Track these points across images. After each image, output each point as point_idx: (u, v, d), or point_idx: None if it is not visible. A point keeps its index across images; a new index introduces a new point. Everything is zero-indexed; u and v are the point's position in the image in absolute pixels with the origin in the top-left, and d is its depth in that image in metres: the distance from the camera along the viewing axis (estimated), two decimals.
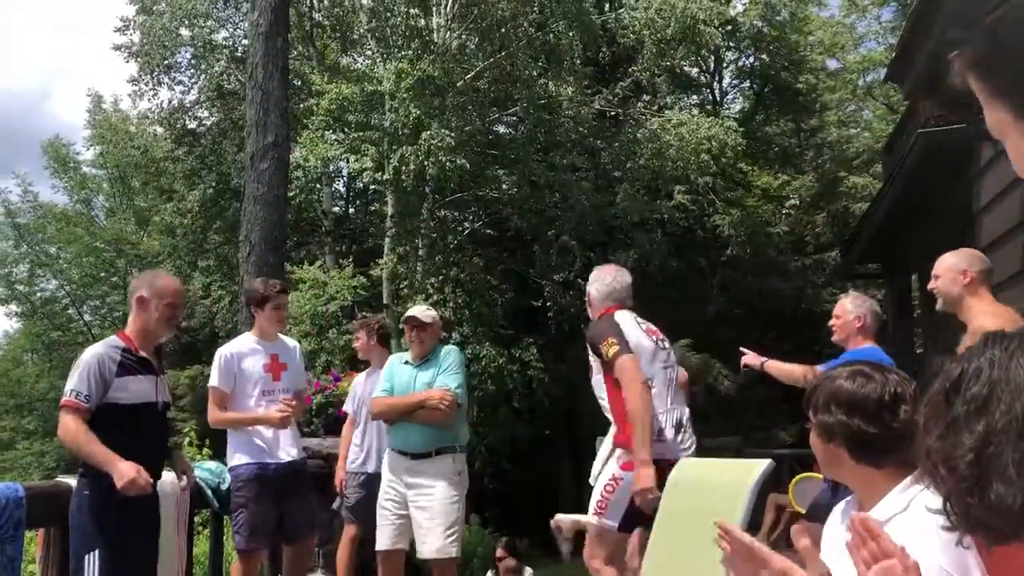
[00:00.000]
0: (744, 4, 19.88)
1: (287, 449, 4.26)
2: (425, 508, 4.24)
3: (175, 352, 18.50)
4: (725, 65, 21.95)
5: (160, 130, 20.40)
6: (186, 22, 17.97)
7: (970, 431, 1.06)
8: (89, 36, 56.54)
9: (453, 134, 13.15)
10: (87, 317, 27.55)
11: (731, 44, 20.81)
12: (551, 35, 15.17)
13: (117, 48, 18.33)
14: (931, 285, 3.40)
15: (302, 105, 15.64)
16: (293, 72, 13.58)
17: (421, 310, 4.53)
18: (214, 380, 4.27)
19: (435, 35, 14.85)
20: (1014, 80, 1.15)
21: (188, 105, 19.01)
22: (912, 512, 1.53)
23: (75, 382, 3.21)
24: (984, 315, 3.15)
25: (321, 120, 14.19)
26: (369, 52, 16.46)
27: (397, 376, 4.45)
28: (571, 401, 14.73)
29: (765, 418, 15.98)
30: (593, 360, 3.76)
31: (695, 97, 21.69)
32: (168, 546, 3.80)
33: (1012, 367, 1.07)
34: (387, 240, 14.90)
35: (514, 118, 16.43)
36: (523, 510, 15.26)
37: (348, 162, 15.61)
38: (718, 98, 21.92)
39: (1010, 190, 5.32)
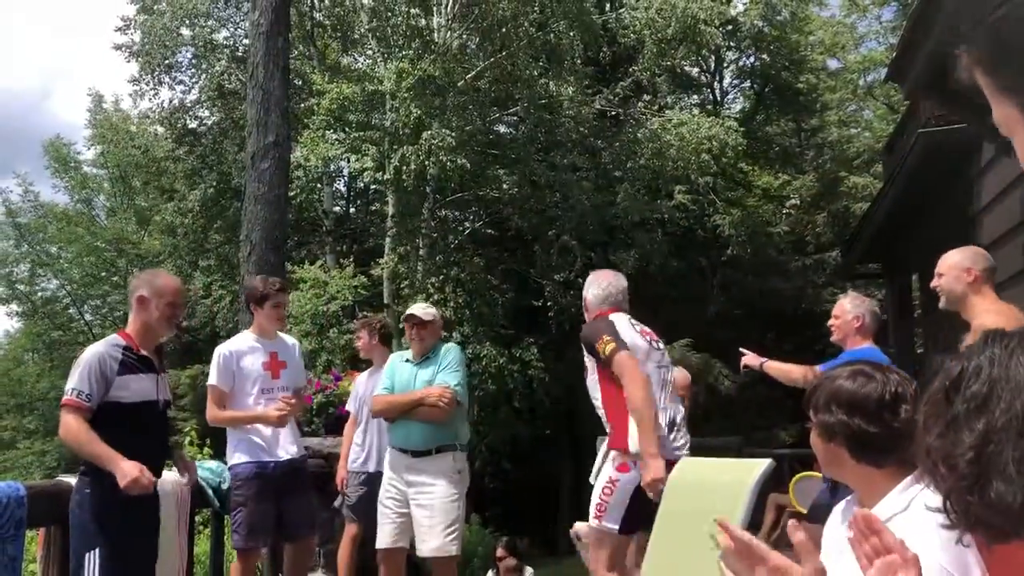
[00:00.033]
0: (745, 4, 19.89)
1: (287, 447, 4.25)
2: (425, 506, 4.25)
3: (176, 351, 18.51)
4: (726, 65, 21.96)
5: (161, 130, 20.42)
6: (187, 21, 17.99)
7: (970, 429, 1.06)
8: (89, 36, 56.60)
9: (454, 134, 13.16)
10: (88, 317, 27.56)
11: (732, 44, 20.82)
12: (552, 35, 15.17)
13: (118, 48, 18.38)
14: (934, 283, 3.37)
15: (303, 105, 15.65)
16: (294, 72, 13.57)
17: (421, 308, 4.54)
18: (213, 378, 4.26)
19: (436, 35, 14.86)
20: (1020, 76, 1.15)
21: (189, 105, 19.05)
22: (913, 511, 1.53)
23: (76, 381, 3.20)
24: (988, 314, 3.14)
25: (322, 120, 14.20)
26: (370, 52, 16.47)
27: (398, 374, 4.45)
28: (572, 401, 14.73)
29: (766, 418, 15.99)
30: (588, 361, 3.77)
31: (696, 97, 21.70)
32: (169, 545, 3.80)
33: (1012, 365, 1.07)
34: (388, 240, 14.91)
35: (515, 118, 16.43)
36: (523, 510, 15.30)
37: (349, 162, 15.62)
38: (719, 98, 21.93)
39: (1010, 190, 5.32)
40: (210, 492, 4.43)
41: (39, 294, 27.76)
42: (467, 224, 16.80)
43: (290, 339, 4.55)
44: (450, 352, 4.44)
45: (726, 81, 22.42)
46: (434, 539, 4.22)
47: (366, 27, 15.67)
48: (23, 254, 26.95)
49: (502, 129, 17.03)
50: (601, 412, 3.74)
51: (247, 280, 6.05)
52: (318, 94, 14.59)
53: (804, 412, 1.77)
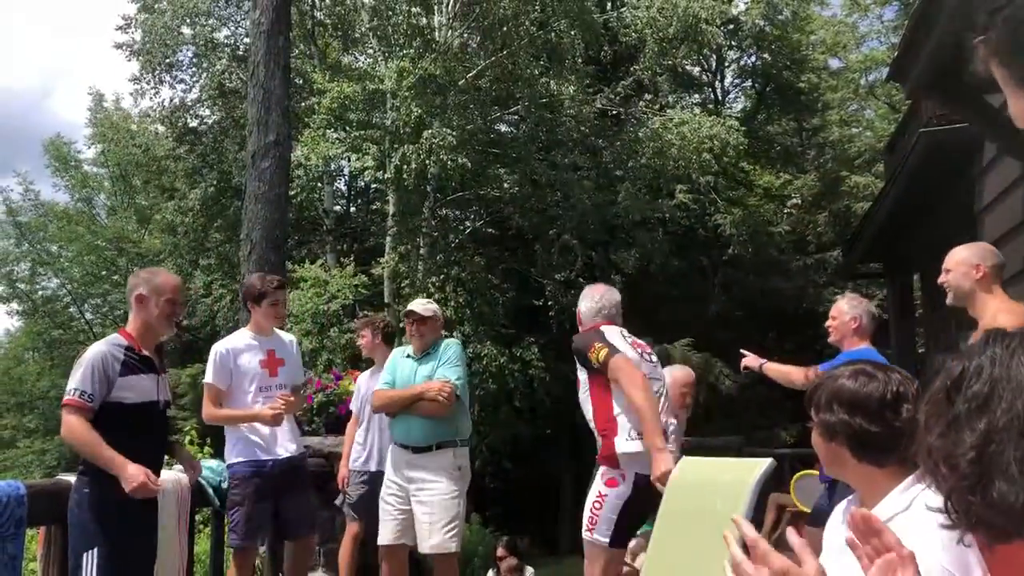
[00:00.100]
0: (746, 3, 19.89)
1: (285, 445, 4.24)
2: (425, 503, 4.25)
3: (176, 350, 18.53)
4: (727, 64, 21.95)
5: (161, 128, 20.42)
6: (187, 20, 17.99)
7: (971, 429, 1.06)
8: (90, 35, 56.61)
9: (455, 133, 13.16)
10: (88, 315, 27.56)
11: (733, 43, 20.81)
12: (553, 34, 15.16)
13: (118, 47, 18.40)
14: (941, 279, 3.33)
15: (304, 104, 15.66)
16: (295, 71, 13.57)
17: (421, 304, 4.54)
18: (209, 376, 4.24)
19: (437, 34, 14.85)
20: None
21: (189, 103, 19.05)
22: (914, 511, 1.53)
23: (78, 381, 3.19)
24: (1001, 313, 3.11)
25: (323, 119, 14.20)
26: (371, 51, 16.47)
27: (399, 369, 4.46)
28: (572, 400, 14.71)
29: (767, 417, 15.99)
30: (580, 373, 3.79)
31: (697, 96, 21.68)
32: (169, 544, 3.80)
33: (1013, 365, 1.06)
34: (388, 239, 14.91)
35: (516, 117, 16.43)
36: (524, 509, 15.30)
37: (349, 161, 15.62)
38: (720, 97, 21.92)
39: (1012, 189, 5.31)
40: (210, 491, 4.43)
41: (40, 293, 27.77)
42: (468, 223, 16.80)
43: (288, 336, 4.53)
44: (450, 347, 4.44)
45: (727, 80, 22.44)
46: (434, 536, 4.22)
47: (367, 26, 15.67)
48: (24, 253, 26.95)
49: (503, 128, 17.04)
50: (593, 426, 3.75)
51: (243, 280, 6.04)
52: (319, 93, 14.59)
53: (805, 411, 1.77)
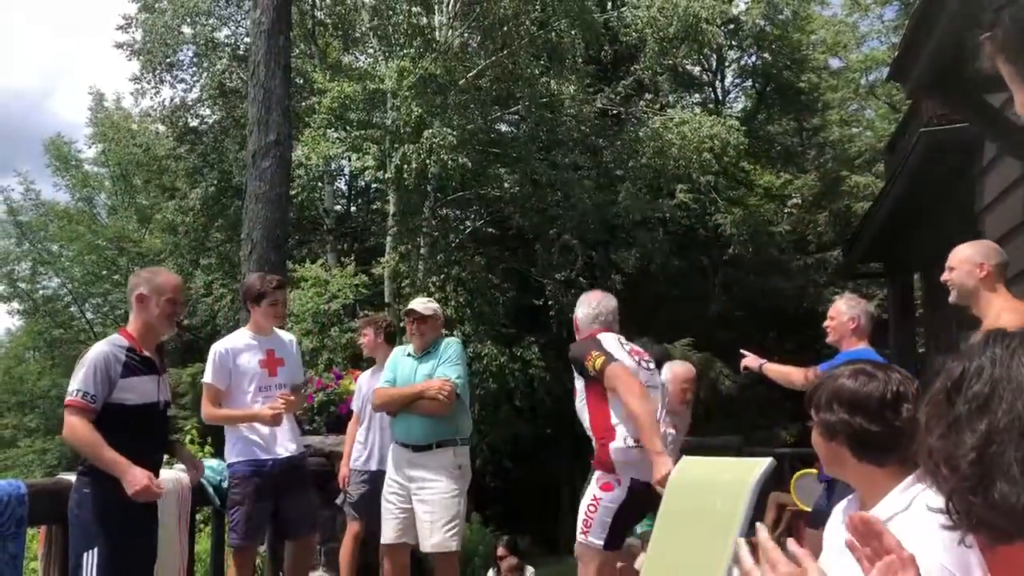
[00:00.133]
0: (746, 3, 19.88)
1: (285, 445, 4.23)
2: (426, 502, 4.26)
3: (177, 350, 18.53)
4: (727, 64, 21.94)
5: (162, 128, 20.42)
6: (188, 20, 17.99)
7: (972, 430, 1.06)
8: (90, 35, 56.60)
9: (455, 132, 13.16)
10: (89, 315, 27.56)
11: (733, 43, 20.80)
12: (553, 33, 15.16)
13: (119, 46, 18.39)
14: (944, 276, 3.30)
15: (304, 103, 15.66)
16: (295, 70, 13.56)
17: (421, 303, 4.54)
18: (208, 376, 4.23)
19: (437, 33, 14.85)
20: None
21: (190, 103, 19.06)
22: (914, 511, 1.53)
23: (81, 382, 3.18)
24: (1005, 311, 3.08)
25: (323, 118, 14.20)
26: (371, 50, 16.47)
27: (399, 368, 4.47)
28: (572, 400, 14.74)
29: (767, 417, 15.99)
30: (577, 382, 3.82)
31: (697, 96, 21.68)
32: (170, 544, 3.80)
33: (1014, 365, 1.06)
34: (389, 238, 14.91)
35: (516, 116, 16.43)
36: (524, 509, 15.30)
37: (350, 160, 15.63)
38: (720, 97, 21.91)
39: (1013, 189, 5.31)
40: (211, 490, 4.43)
41: (40, 292, 27.76)
42: (468, 223, 16.80)
43: (287, 335, 4.52)
44: (450, 346, 4.44)
45: (728, 80, 22.43)
46: (435, 535, 4.23)
47: (367, 26, 15.67)
48: (24, 252, 26.94)
49: (503, 128, 17.03)
50: (590, 433, 3.79)
51: (243, 280, 6.05)
52: (319, 92, 14.59)
53: (805, 411, 1.77)
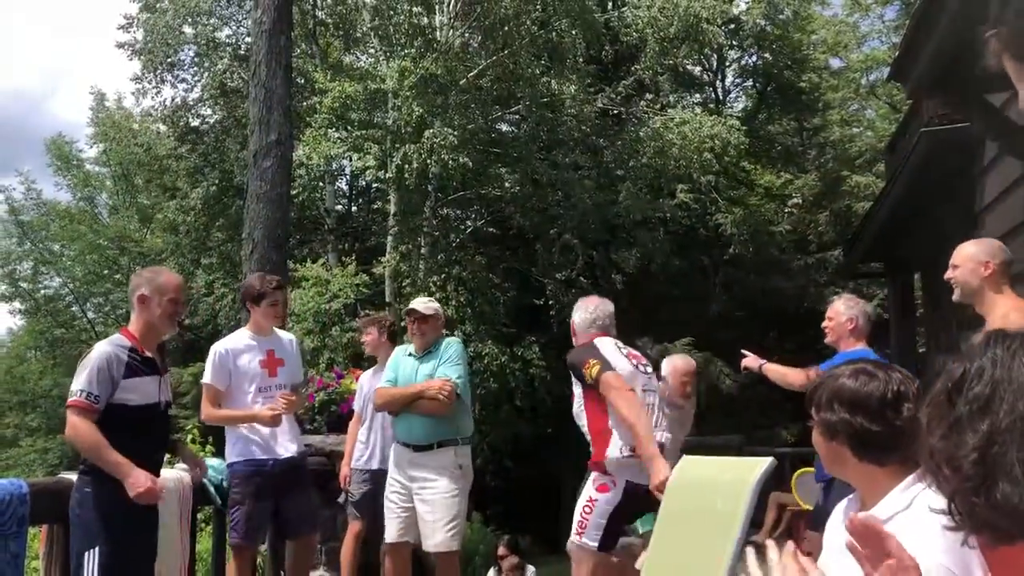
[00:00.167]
0: (747, 3, 19.86)
1: (285, 445, 4.23)
2: (427, 501, 4.27)
3: (178, 349, 18.53)
4: (728, 64, 21.93)
5: (163, 128, 20.43)
6: (189, 20, 17.99)
7: (974, 431, 1.06)
8: (91, 35, 56.62)
9: (456, 132, 13.16)
10: (90, 314, 27.57)
11: (734, 43, 20.79)
12: (554, 33, 15.16)
13: (120, 46, 18.39)
14: (948, 274, 3.24)
15: (305, 103, 15.66)
16: (296, 70, 13.57)
17: (422, 302, 4.55)
18: (207, 377, 4.24)
19: (438, 33, 14.86)
20: None
21: (191, 103, 19.06)
22: (914, 510, 1.53)
23: (84, 382, 3.18)
24: (1013, 312, 3.05)
25: (324, 118, 14.20)
26: (372, 50, 16.47)
27: (401, 368, 4.48)
28: (573, 399, 14.73)
29: (767, 416, 15.98)
30: (575, 387, 3.85)
31: (698, 96, 21.66)
32: (171, 543, 3.80)
33: (1015, 366, 1.07)
34: (390, 238, 14.92)
35: (517, 116, 16.42)
36: (525, 508, 15.30)
37: (351, 160, 15.64)
38: (721, 97, 21.90)
39: (1013, 189, 5.31)
40: (212, 489, 4.43)
41: (42, 292, 27.77)
42: (469, 223, 16.80)
43: (287, 335, 4.52)
44: (451, 346, 4.45)
45: (728, 80, 22.42)
46: (436, 535, 4.25)
47: (368, 25, 15.67)
48: (26, 252, 26.95)
49: (504, 128, 17.02)
50: (588, 437, 3.82)
51: (244, 280, 6.05)
52: (320, 92, 14.59)
53: (806, 411, 1.77)
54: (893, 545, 1.15)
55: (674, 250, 16.61)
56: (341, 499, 5.31)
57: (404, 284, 14.46)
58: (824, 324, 4.17)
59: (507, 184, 15.09)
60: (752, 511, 2.58)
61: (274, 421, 4.11)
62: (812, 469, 6.10)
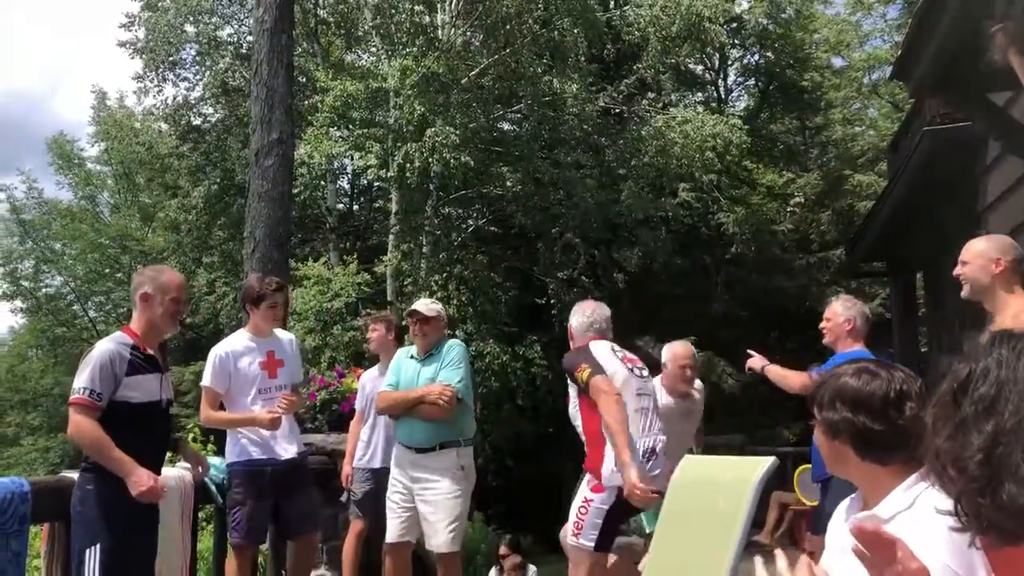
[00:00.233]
0: (749, 1, 19.83)
1: (285, 446, 4.24)
2: (429, 502, 4.27)
3: (179, 348, 18.56)
4: (730, 63, 21.91)
5: (165, 126, 20.43)
6: (191, 18, 17.99)
7: (979, 431, 1.05)
8: (92, 35, 56.67)
9: (457, 131, 13.15)
10: (92, 313, 27.61)
11: (736, 42, 20.76)
12: (556, 32, 15.14)
13: (122, 44, 18.39)
14: (958, 270, 3.20)
15: (307, 102, 15.66)
16: (298, 69, 13.56)
17: (424, 304, 4.55)
18: (207, 380, 4.23)
19: (439, 32, 14.85)
20: None
21: (193, 101, 19.05)
22: (917, 510, 1.52)
23: (86, 380, 3.18)
24: None
25: (326, 117, 14.19)
26: (374, 49, 16.47)
27: (403, 371, 4.48)
28: None
29: (769, 416, 15.98)
30: (571, 389, 3.91)
31: (700, 95, 21.64)
32: (172, 541, 3.80)
33: (1020, 367, 1.06)
34: (391, 237, 14.91)
35: (518, 115, 16.40)
36: (527, 507, 15.28)
37: (352, 159, 15.62)
38: (723, 96, 21.88)
39: (1016, 187, 5.31)
40: (213, 488, 4.43)
41: (43, 290, 27.79)
42: (470, 221, 16.79)
43: (286, 335, 4.52)
44: (453, 349, 4.44)
45: (730, 79, 22.40)
46: (438, 536, 4.26)
47: (370, 24, 15.66)
48: (27, 250, 26.98)
49: (506, 126, 17.01)
50: (583, 439, 3.88)
51: (245, 280, 6.05)
52: (322, 91, 14.58)
53: (808, 410, 1.77)
54: (901, 550, 1.14)
55: (676, 249, 16.59)
56: (343, 498, 5.31)
57: (406, 283, 14.46)
58: (822, 325, 4.17)
59: (509, 183, 15.08)
60: (754, 510, 2.58)
61: (273, 425, 4.11)
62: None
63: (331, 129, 14.45)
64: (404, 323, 4.93)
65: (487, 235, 16.63)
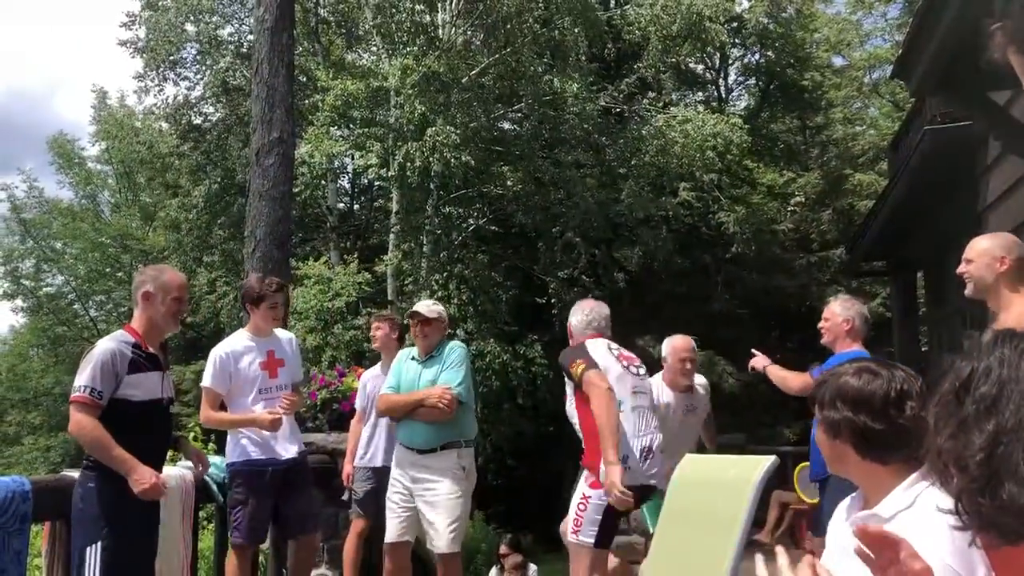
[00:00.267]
0: (750, 1, 19.83)
1: (286, 446, 4.24)
2: (430, 503, 4.27)
3: (180, 347, 18.57)
4: (731, 62, 21.90)
5: (165, 126, 20.44)
6: (192, 18, 18.00)
7: (980, 430, 1.05)
8: (94, 33, 56.63)
9: (458, 130, 13.15)
10: (92, 312, 27.61)
11: (737, 41, 20.75)
12: (556, 31, 15.14)
13: (123, 43, 18.39)
14: (961, 268, 3.16)
15: (307, 101, 15.66)
16: (298, 68, 13.57)
17: (426, 305, 4.54)
18: (207, 380, 4.24)
19: (440, 31, 14.84)
20: None
21: (193, 101, 19.07)
22: (917, 509, 1.53)
23: (87, 378, 3.18)
24: None
25: (326, 116, 14.19)
26: (374, 48, 16.46)
27: (404, 373, 4.48)
28: None
29: (770, 415, 15.97)
30: (568, 386, 3.92)
31: (700, 94, 21.64)
32: (172, 540, 3.80)
33: (1022, 366, 1.06)
34: (392, 236, 14.91)
35: (519, 114, 16.40)
36: (527, 506, 15.28)
37: (353, 158, 15.61)
38: (723, 95, 21.88)
39: (1017, 187, 5.31)
40: (214, 487, 4.43)
41: (44, 290, 27.80)
42: (471, 221, 16.78)
43: (286, 335, 4.52)
44: (454, 351, 4.44)
45: (731, 78, 22.39)
46: (439, 536, 4.26)
47: (371, 23, 15.66)
48: (28, 250, 26.98)
49: (506, 126, 17.00)
50: (580, 435, 3.89)
51: (245, 279, 6.05)
52: (323, 90, 14.58)
53: (809, 409, 1.77)
54: (905, 551, 1.14)
55: (676, 248, 16.59)
56: (345, 497, 5.32)
57: (406, 282, 14.46)
58: (820, 325, 4.16)
59: (509, 182, 15.07)
60: (754, 509, 2.58)
61: (274, 426, 4.10)
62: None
63: (332, 128, 14.46)
64: (406, 323, 4.93)
65: (487, 234, 16.62)
